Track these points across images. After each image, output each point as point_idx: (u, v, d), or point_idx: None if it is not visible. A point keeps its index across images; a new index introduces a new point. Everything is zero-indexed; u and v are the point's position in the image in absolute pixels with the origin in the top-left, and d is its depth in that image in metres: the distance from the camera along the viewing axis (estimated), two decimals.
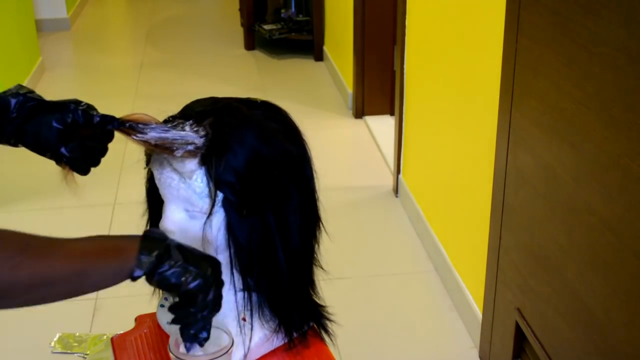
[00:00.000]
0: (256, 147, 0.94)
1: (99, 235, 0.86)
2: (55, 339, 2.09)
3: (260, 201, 0.94)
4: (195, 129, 0.93)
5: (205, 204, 0.93)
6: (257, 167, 0.94)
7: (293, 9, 4.92)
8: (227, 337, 0.95)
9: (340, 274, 2.37)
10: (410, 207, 2.75)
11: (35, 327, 2.18)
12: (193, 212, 0.95)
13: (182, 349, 0.94)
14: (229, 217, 0.94)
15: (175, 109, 1.00)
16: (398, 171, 2.92)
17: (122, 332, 1.15)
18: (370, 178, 3.13)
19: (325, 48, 4.67)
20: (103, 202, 2.90)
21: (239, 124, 0.94)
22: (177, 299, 0.88)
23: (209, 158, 0.92)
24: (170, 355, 0.93)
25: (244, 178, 0.93)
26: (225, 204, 0.94)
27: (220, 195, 0.93)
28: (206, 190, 0.93)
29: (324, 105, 3.98)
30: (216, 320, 1.01)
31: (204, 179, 0.92)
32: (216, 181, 0.92)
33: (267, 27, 4.87)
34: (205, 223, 0.94)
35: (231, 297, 1.01)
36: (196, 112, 0.96)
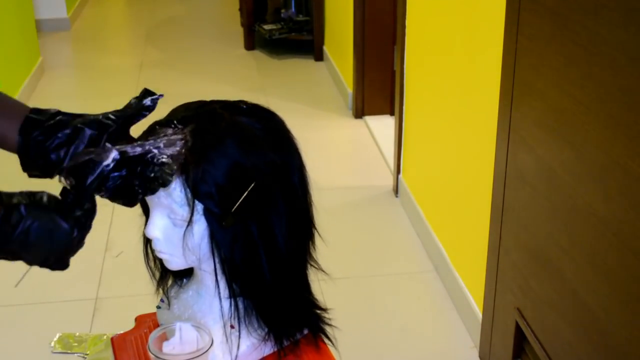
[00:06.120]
0: (236, 156, 0.91)
1: None
2: (55, 339, 2.09)
3: (242, 212, 0.92)
4: (175, 136, 0.92)
5: (185, 212, 0.92)
6: (238, 177, 0.91)
7: (293, 9, 4.92)
8: (207, 337, 0.95)
9: (340, 274, 2.37)
10: (410, 207, 2.75)
11: (35, 327, 2.18)
12: (175, 219, 0.94)
13: (164, 348, 0.94)
14: (211, 227, 0.93)
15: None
16: (398, 171, 2.92)
17: (122, 332, 1.15)
18: (370, 178, 3.13)
19: (325, 48, 4.67)
20: (103, 202, 2.89)
21: (219, 132, 0.92)
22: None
23: (186, 167, 0.90)
24: (150, 354, 0.93)
25: (223, 189, 0.91)
26: (207, 214, 0.92)
27: (200, 205, 0.92)
28: (185, 200, 0.92)
29: (324, 105, 3.98)
30: (198, 321, 1.01)
31: (182, 188, 0.91)
32: (194, 191, 0.90)
33: (267, 27, 4.87)
34: (185, 232, 0.94)
35: (216, 305, 1.00)
36: (179, 118, 0.94)
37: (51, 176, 0.92)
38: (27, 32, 4.34)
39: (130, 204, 0.91)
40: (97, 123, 0.92)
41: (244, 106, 0.99)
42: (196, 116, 0.94)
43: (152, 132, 0.94)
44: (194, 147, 0.90)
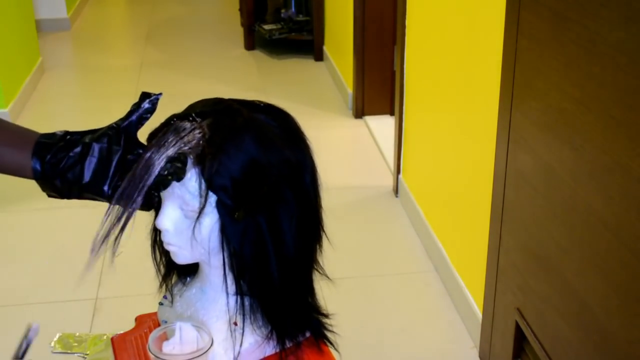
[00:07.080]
0: (253, 151, 0.92)
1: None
2: (55, 339, 2.09)
3: (254, 206, 0.93)
4: (192, 128, 0.93)
5: (198, 203, 0.93)
6: (253, 172, 0.92)
7: (293, 9, 4.92)
8: (207, 337, 0.95)
9: (340, 274, 2.37)
10: (410, 207, 2.75)
11: None
12: (187, 211, 0.95)
13: (164, 348, 0.95)
14: (223, 220, 0.94)
15: (175, 109, 1.00)
16: (398, 171, 2.92)
17: (122, 332, 1.15)
18: (370, 178, 3.13)
19: (325, 48, 4.68)
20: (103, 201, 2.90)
21: (237, 126, 0.93)
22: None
23: (203, 159, 0.91)
24: (150, 354, 0.93)
25: (238, 182, 0.92)
26: (219, 207, 0.93)
27: (213, 197, 0.93)
28: (199, 190, 0.93)
29: (324, 105, 3.98)
30: (199, 320, 1.01)
31: (198, 179, 0.92)
32: (209, 183, 0.91)
33: (267, 27, 4.87)
34: (195, 223, 0.94)
35: (223, 300, 1.00)
36: (196, 112, 0.96)
37: (69, 196, 0.96)
38: (27, 32, 4.34)
39: (148, 207, 0.97)
40: (104, 136, 0.96)
41: (261, 104, 1.00)
42: (214, 111, 0.96)
43: (169, 124, 0.95)
44: (211, 139, 0.92)
